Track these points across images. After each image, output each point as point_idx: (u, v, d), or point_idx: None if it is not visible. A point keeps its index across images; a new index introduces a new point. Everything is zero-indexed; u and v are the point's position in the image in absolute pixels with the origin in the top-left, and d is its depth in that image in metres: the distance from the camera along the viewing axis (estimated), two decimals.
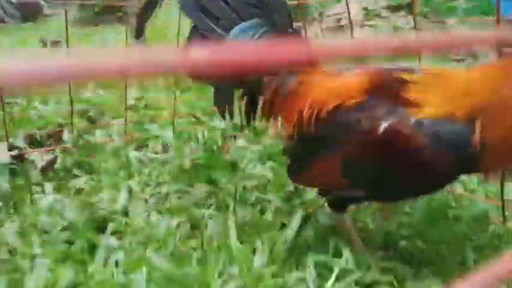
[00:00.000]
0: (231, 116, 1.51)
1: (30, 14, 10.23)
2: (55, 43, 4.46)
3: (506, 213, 1.41)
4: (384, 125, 1.03)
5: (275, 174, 1.77)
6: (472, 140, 1.00)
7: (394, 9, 5.04)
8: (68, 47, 2.12)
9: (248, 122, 1.52)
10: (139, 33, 1.48)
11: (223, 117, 1.51)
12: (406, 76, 1.09)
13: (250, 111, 1.50)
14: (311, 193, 1.66)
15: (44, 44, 4.51)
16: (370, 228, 1.43)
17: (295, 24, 1.50)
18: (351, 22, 1.77)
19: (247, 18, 1.39)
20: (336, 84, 1.19)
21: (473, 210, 1.46)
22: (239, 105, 1.52)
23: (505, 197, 1.41)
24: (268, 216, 1.43)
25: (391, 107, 1.05)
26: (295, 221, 1.34)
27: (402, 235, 1.38)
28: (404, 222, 1.43)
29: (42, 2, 12.30)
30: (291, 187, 1.67)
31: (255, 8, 1.40)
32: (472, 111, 1.01)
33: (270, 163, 1.93)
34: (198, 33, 1.40)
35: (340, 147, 1.12)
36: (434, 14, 5.00)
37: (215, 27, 1.38)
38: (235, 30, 1.37)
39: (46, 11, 11.03)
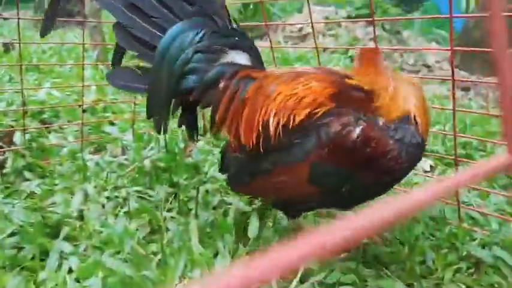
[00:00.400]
0: (165, 130, 1.31)
1: None
2: (7, 45, 4.25)
3: (462, 215, 1.46)
4: (357, 131, 1.04)
5: None
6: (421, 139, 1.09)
7: (354, 19, 5.21)
8: (20, 48, 2.01)
9: (191, 137, 1.38)
10: (47, 27, 1.34)
11: (159, 131, 1.31)
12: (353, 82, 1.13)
13: (189, 124, 1.35)
14: None
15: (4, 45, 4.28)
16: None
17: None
18: (313, 30, 1.80)
19: (184, 17, 1.23)
20: (300, 91, 1.14)
21: (430, 212, 1.50)
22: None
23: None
24: (230, 219, 1.40)
25: (359, 113, 1.07)
26: (256, 223, 1.32)
27: None
28: None
29: None
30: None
31: (191, 6, 1.25)
32: (414, 113, 1.09)
33: None
34: (123, 30, 1.22)
35: (309, 154, 1.10)
36: (392, 26, 5.20)
37: (147, 26, 1.22)
38: (173, 30, 1.21)
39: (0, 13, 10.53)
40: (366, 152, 1.05)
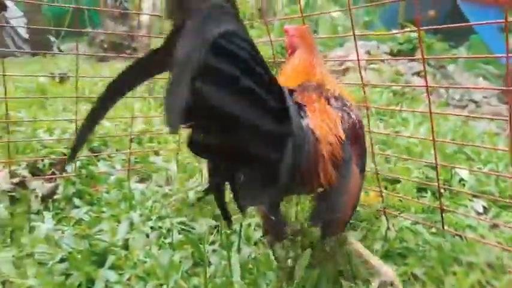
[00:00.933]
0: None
1: (40, 49, 10.51)
2: (63, 76, 4.52)
3: None
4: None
5: None
6: None
7: (396, 54, 5.16)
8: (77, 80, 2.13)
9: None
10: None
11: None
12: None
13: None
14: (317, 233, 1.62)
15: (53, 78, 4.57)
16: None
17: None
18: (359, 64, 1.79)
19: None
20: None
21: (487, 258, 1.41)
22: None
23: None
24: (276, 256, 1.37)
25: None
26: (303, 262, 1.29)
27: (419, 278, 1.34)
28: (419, 269, 1.38)
29: (52, 39, 12.66)
30: (298, 226, 1.63)
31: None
32: None
33: None
34: None
35: None
36: (436, 60, 5.12)
37: None
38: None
39: (56, 46, 11.33)
40: None
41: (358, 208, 1.80)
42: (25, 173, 2.07)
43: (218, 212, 1.71)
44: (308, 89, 1.26)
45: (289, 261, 1.37)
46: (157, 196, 1.90)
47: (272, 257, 1.36)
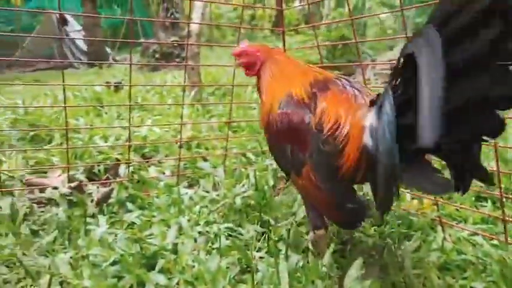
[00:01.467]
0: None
1: (97, 60, 11.14)
2: (118, 85, 4.74)
3: None
4: None
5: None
6: None
7: None
8: (130, 89, 2.22)
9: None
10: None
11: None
12: None
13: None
14: (367, 243, 1.56)
15: (108, 87, 4.81)
16: None
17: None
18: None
19: None
20: None
21: None
22: None
23: None
24: (324, 264, 1.33)
25: None
26: (355, 273, 1.24)
27: None
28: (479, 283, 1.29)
29: (108, 50, 13.37)
30: (348, 235, 1.58)
31: None
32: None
33: None
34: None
35: None
36: None
37: None
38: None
39: (111, 57, 11.96)
40: None
41: (411, 217, 1.72)
42: (82, 177, 2.18)
43: (265, 217, 1.71)
44: (327, 86, 1.31)
45: (338, 270, 1.32)
46: (205, 201, 1.92)
47: (321, 266, 1.32)
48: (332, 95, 1.26)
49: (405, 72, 0.98)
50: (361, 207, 1.20)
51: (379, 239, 1.60)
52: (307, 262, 1.37)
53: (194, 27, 5.40)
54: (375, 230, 1.65)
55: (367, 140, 1.11)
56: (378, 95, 1.13)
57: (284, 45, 2.45)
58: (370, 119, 1.12)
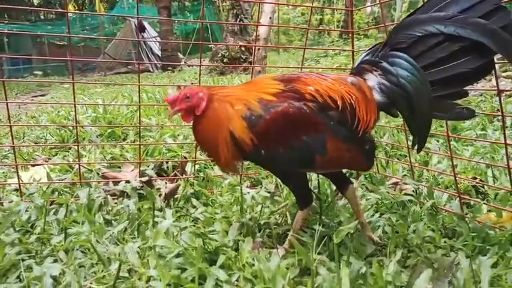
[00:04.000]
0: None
1: (170, 64, 11.72)
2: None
3: None
4: None
5: (393, 229, 1.61)
6: None
7: None
8: None
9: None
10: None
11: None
12: None
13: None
14: (436, 254, 1.47)
15: (179, 88, 5.04)
16: None
17: None
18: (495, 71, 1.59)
19: None
20: None
21: None
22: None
23: None
24: (388, 273, 1.28)
25: None
26: (421, 282, 1.17)
27: None
28: None
29: (180, 55, 14.02)
30: (414, 243, 1.50)
31: None
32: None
33: (387, 215, 1.78)
34: None
35: None
36: None
37: None
38: None
39: (183, 62, 12.54)
40: None
41: (488, 231, 1.59)
42: (152, 173, 2.29)
43: (327, 221, 1.68)
44: (291, 77, 1.43)
45: (404, 276, 1.26)
46: (267, 202, 1.93)
47: (385, 274, 1.26)
48: (305, 79, 1.41)
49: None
50: (372, 142, 1.46)
51: (450, 251, 1.49)
52: (370, 269, 1.31)
53: (262, 32, 5.48)
54: (445, 242, 1.55)
55: (379, 96, 1.42)
56: (358, 66, 1.49)
57: (353, 46, 2.39)
58: (372, 81, 1.43)
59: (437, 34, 1.34)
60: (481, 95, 4.21)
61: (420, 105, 1.38)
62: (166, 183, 2.17)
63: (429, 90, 1.36)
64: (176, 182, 2.19)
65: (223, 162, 1.41)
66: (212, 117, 1.39)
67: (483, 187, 2.11)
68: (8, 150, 3.09)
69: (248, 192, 2.03)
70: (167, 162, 2.46)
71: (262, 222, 1.74)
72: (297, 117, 1.34)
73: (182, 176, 2.29)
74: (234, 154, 1.38)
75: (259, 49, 5.29)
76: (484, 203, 1.83)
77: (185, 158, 2.55)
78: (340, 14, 22.45)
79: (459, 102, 1.41)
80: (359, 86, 1.43)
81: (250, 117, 1.34)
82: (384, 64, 1.42)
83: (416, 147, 1.46)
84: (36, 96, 9.68)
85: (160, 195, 2.00)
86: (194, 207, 1.92)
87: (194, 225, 1.71)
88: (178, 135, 3.04)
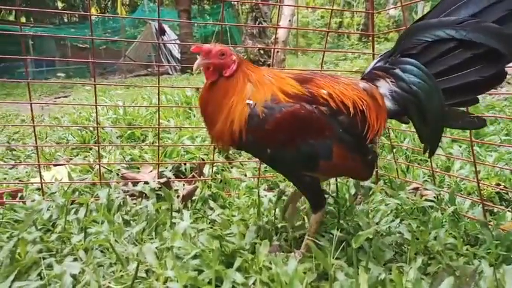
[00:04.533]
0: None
1: (189, 67, 11.86)
2: None
3: None
4: None
5: (414, 235, 1.58)
6: None
7: None
8: None
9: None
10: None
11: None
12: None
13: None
14: (458, 261, 1.43)
15: (197, 90, 5.08)
16: None
17: None
18: None
19: None
20: None
21: None
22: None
23: None
24: (409, 279, 1.25)
25: None
26: None
27: None
28: None
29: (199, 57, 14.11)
30: (435, 250, 1.46)
31: None
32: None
33: (407, 221, 1.74)
34: None
35: None
36: None
37: None
38: None
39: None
40: None
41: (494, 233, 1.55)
42: (170, 174, 2.31)
43: (345, 226, 1.65)
44: (306, 78, 1.42)
45: (424, 284, 1.23)
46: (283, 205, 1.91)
47: (405, 281, 1.24)
48: (319, 82, 1.40)
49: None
50: (375, 154, 1.46)
51: (473, 259, 1.45)
52: (390, 278, 1.29)
53: (281, 35, 5.48)
54: (467, 249, 1.51)
55: (390, 104, 1.42)
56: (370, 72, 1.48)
57: (373, 49, 2.36)
58: (384, 88, 1.43)
59: (448, 39, 1.31)
60: (505, 100, 4.11)
61: (432, 113, 1.36)
62: (184, 184, 2.18)
63: (441, 97, 1.34)
64: (194, 183, 2.20)
65: (219, 132, 1.37)
66: (235, 85, 1.37)
67: (507, 194, 2.05)
68: (31, 150, 3.16)
69: (265, 195, 2.02)
70: (185, 164, 2.47)
71: (279, 225, 1.73)
72: (307, 120, 1.33)
73: (200, 177, 2.30)
74: (232, 131, 1.34)
75: (278, 52, 5.28)
76: (508, 211, 1.78)
77: (203, 159, 2.56)
78: (360, 17, 22.25)
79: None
80: (371, 93, 1.42)
81: (255, 114, 1.32)
82: (396, 71, 1.41)
83: (428, 152, 1.47)
84: (58, 98, 9.90)
85: (178, 196, 2.01)
86: (211, 209, 1.92)
87: (211, 227, 1.72)
88: (196, 137, 3.06)
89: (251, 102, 1.33)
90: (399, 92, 1.40)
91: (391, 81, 1.42)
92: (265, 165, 2.43)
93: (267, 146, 1.34)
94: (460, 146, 2.84)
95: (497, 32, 1.23)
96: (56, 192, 2.08)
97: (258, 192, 2.00)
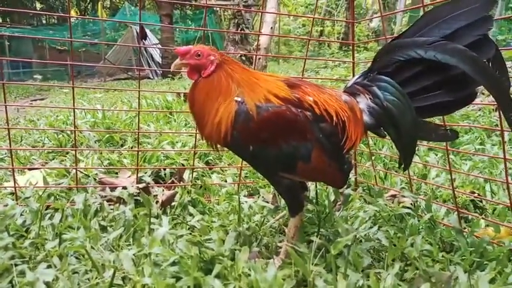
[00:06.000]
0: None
1: (170, 72, 11.78)
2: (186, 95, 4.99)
3: None
4: None
5: (391, 242, 1.60)
6: None
7: None
8: None
9: None
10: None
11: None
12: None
13: None
14: (433, 267, 1.46)
15: (178, 95, 5.05)
16: None
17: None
18: None
19: None
20: None
21: None
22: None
23: None
24: (386, 285, 1.26)
25: None
26: None
27: None
28: None
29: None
30: (412, 257, 1.48)
31: None
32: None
33: (385, 227, 1.77)
34: None
35: None
36: None
37: None
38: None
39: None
40: None
41: (486, 246, 1.58)
42: (149, 179, 2.28)
43: (324, 232, 1.66)
44: (294, 83, 1.47)
45: None
46: (264, 211, 1.91)
47: (382, 287, 1.25)
48: (306, 89, 1.45)
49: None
50: (350, 164, 1.53)
51: (448, 265, 1.48)
52: (368, 285, 1.30)
53: (263, 42, 5.51)
54: (443, 256, 1.54)
55: (367, 118, 1.48)
56: (351, 86, 1.55)
57: (353, 58, 2.40)
58: (363, 103, 1.49)
59: (418, 60, 1.36)
60: (479, 110, 4.23)
61: (405, 128, 1.44)
62: (163, 190, 2.15)
63: (414, 114, 1.42)
64: (173, 189, 2.17)
65: (208, 132, 1.40)
66: (216, 85, 1.40)
67: (481, 202, 2.10)
68: (5, 154, 3.07)
69: (246, 201, 2.02)
70: (165, 169, 2.44)
71: (260, 231, 1.72)
72: (292, 121, 1.36)
73: (179, 183, 2.28)
74: (220, 129, 1.37)
75: (259, 58, 5.30)
76: (482, 218, 1.83)
77: (183, 165, 2.54)
78: (340, 26, 22.61)
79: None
80: (351, 106, 1.48)
81: (242, 111, 1.35)
82: (374, 88, 1.48)
83: (402, 166, 1.53)
84: (35, 100, 9.68)
85: (157, 202, 1.98)
86: (191, 215, 1.90)
87: (190, 234, 1.70)
88: (176, 142, 3.03)
89: (239, 99, 1.36)
90: (375, 107, 1.48)
91: (369, 97, 1.49)
92: (245, 171, 2.43)
93: (250, 143, 1.37)
94: (436, 155, 2.90)
95: (463, 53, 1.27)
96: (30, 197, 2.02)
97: (239, 198, 2.00)
